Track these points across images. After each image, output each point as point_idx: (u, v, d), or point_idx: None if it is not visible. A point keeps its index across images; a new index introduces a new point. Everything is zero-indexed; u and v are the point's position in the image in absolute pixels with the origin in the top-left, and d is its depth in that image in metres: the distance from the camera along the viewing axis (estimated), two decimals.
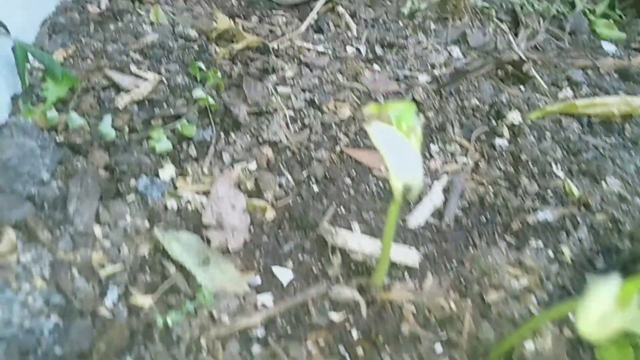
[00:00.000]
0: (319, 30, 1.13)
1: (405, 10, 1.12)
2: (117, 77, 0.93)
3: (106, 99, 0.90)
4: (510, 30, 1.16)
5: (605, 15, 1.26)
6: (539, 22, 1.18)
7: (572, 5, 1.28)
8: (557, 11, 1.23)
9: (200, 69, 0.92)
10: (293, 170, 0.84)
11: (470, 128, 0.92)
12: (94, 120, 0.84)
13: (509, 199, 0.81)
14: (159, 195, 0.77)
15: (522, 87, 1.01)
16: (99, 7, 1.09)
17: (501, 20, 1.18)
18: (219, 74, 0.92)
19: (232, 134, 0.87)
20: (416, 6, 1.12)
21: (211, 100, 0.87)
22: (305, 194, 0.82)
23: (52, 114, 0.82)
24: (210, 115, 0.88)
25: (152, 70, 0.96)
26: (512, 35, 1.14)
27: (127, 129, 0.85)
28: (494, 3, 1.22)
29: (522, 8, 1.20)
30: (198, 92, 0.86)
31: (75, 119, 0.81)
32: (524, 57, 1.02)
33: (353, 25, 1.13)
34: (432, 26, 1.12)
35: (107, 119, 0.82)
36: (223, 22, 1.05)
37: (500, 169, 0.86)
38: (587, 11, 1.26)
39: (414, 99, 0.95)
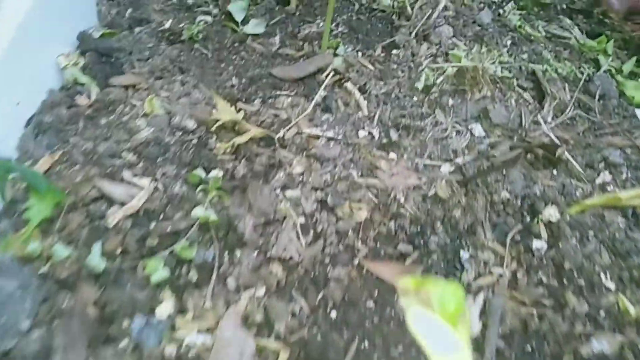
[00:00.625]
0: (327, 109, 1.03)
1: (420, 85, 1.02)
2: (108, 187, 0.83)
3: (96, 215, 0.80)
4: (534, 100, 1.06)
5: (633, 75, 1.15)
6: (564, 88, 1.08)
7: (596, 64, 1.19)
8: (582, 73, 1.13)
9: (201, 180, 0.82)
10: (307, 294, 0.74)
11: (504, 229, 0.81)
12: (82, 248, 0.74)
13: (556, 323, 0.70)
14: (155, 341, 0.67)
15: (554, 171, 0.91)
16: (89, 97, 1.00)
17: (523, 89, 1.08)
18: (220, 181, 0.82)
19: (237, 252, 0.77)
20: (431, 80, 1.02)
21: (213, 216, 0.77)
22: (322, 323, 0.71)
23: (34, 245, 0.72)
24: (212, 231, 0.78)
25: (147, 174, 0.86)
26: (537, 106, 1.04)
27: (119, 253, 0.76)
28: (512, 65, 1.13)
29: (544, 73, 1.10)
30: (198, 211, 0.76)
31: (61, 251, 0.71)
32: (556, 140, 0.92)
33: (363, 103, 1.03)
34: (450, 101, 1.02)
35: (97, 248, 0.73)
36: (223, 109, 0.96)
37: (542, 282, 0.75)
38: (614, 70, 1.16)
39: (437, 195, 0.85)
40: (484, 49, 1.08)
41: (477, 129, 0.98)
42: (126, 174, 0.85)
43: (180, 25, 1.23)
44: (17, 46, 0.94)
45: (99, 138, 0.92)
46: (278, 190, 0.85)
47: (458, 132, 0.97)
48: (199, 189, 0.82)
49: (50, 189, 0.80)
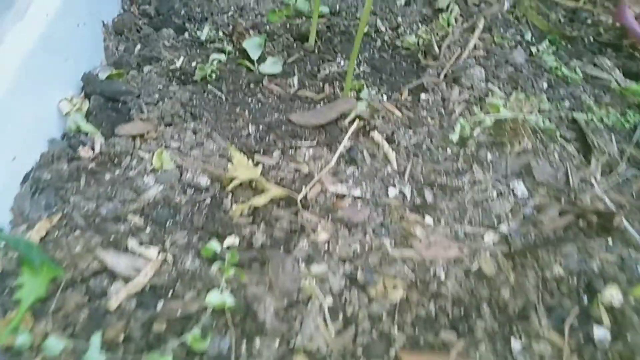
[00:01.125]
0: (352, 161, 0.94)
1: (454, 137, 0.92)
2: (111, 259, 0.73)
3: (97, 293, 0.70)
4: (579, 153, 0.96)
5: None
6: (612, 140, 0.98)
7: None
8: (628, 121, 1.03)
9: (215, 254, 0.72)
10: None
11: (560, 313, 0.71)
12: (79, 336, 0.64)
13: None
14: None
15: (609, 240, 0.81)
16: (92, 149, 0.90)
17: (567, 140, 0.98)
18: (237, 255, 0.72)
19: (257, 341, 0.67)
20: (467, 131, 0.92)
21: (229, 301, 0.67)
22: None
23: (24, 337, 0.62)
24: (227, 315, 0.68)
25: (155, 242, 0.76)
26: (583, 160, 0.94)
27: (121, 341, 0.66)
28: (553, 113, 1.03)
29: (587, 124, 1.00)
30: (213, 297, 0.66)
31: (54, 345, 0.61)
32: (611, 206, 0.82)
33: (392, 155, 0.93)
34: (488, 156, 0.92)
35: (96, 340, 0.62)
36: (240, 163, 0.86)
37: None
38: None
39: (481, 271, 0.75)
40: (521, 95, 0.99)
41: (520, 188, 0.88)
42: (131, 243, 0.76)
43: (193, 64, 1.14)
44: (17, 91, 0.85)
45: (102, 197, 0.82)
46: (302, 263, 0.75)
47: (499, 192, 0.87)
48: (213, 265, 0.72)
49: (46, 262, 0.70)
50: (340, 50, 1.22)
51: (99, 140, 0.91)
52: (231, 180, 0.84)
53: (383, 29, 1.28)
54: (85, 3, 1.12)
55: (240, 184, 0.85)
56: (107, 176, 0.86)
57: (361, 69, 1.18)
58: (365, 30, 1.29)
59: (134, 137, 0.93)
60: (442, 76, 1.12)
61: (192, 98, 1.05)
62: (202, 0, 1.37)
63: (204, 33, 1.21)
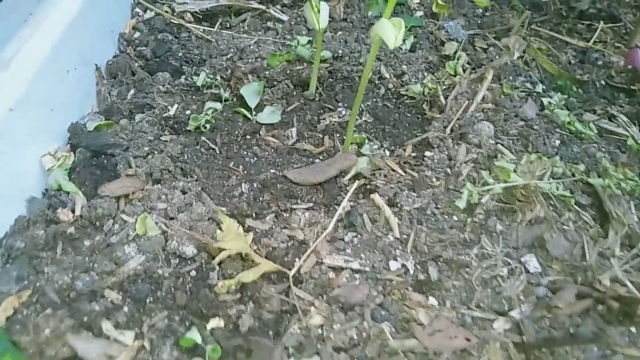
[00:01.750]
0: (350, 226, 0.87)
1: (461, 204, 0.85)
2: (82, 345, 0.66)
3: None
4: (595, 222, 0.88)
5: None
6: (631, 209, 0.90)
7: None
8: None
9: (196, 345, 0.65)
10: None
11: None
12: None
13: None
14: None
15: (632, 328, 0.73)
16: (72, 211, 0.84)
17: (581, 207, 0.91)
18: (219, 352, 0.65)
19: None
20: (474, 198, 0.85)
21: None
22: None
23: None
24: None
25: (132, 325, 0.69)
26: (600, 231, 0.87)
27: None
28: (566, 176, 0.96)
29: (604, 189, 0.92)
30: None
31: None
32: (634, 290, 0.74)
33: (394, 221, 0.86)
34: (498, 226, 0.85)
35: None
36: (229, 229, 0.79)
37: None
38: None
39: None
40: (533, 157, 0.92)
41: (532, 263, 0.80)
42: (106, 325, 0.68)
43: (187, 112, 1.08)
44: None
45: (79, 268, 0.75)
46: (291, 354, 0.67)
47: (510, 269, 0.79)
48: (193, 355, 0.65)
49: (8, 350, 0.63)
50: (341, 98, 1.16)
51: (80, 202, 0.85)
52: (219, 250, 0.77)
53: (387, 75, 1.22)
54: (79, 47, 1.07)
55: (230, 256, 0.78)
56: (87, 243, 0.79)
57: (363, 118, 1.12)
58: (367, 75, 1.23)
59: (117, 198, 0.86)
60: (448, 130, 1.05)
61: (184, 152, 0.99)
62: (201, 42, 1.32)
63: (201, 78, 1.15)
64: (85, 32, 1.11)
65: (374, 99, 1.17)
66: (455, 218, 0.87)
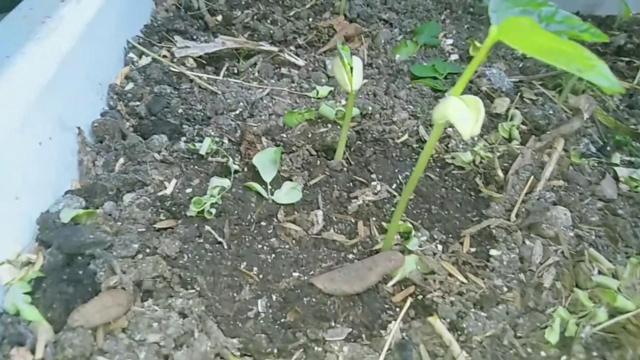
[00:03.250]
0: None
1: (553, 337, 0.63)
2: None
3: None
4: None
5: None
6: None
7: None
8: None
9: None
10: None
11: None
12: None
13: None
14: None
15: None
16: (32, 351, 0.61)
17: None
18: None
19: None
20: (570, 330, 0.63)
21: None
22: None
23: None
24: None
25: None
26: None
27: None
28: None
29: None
30: None
31: None
32: None
33: (459, 353, 0.64)
34: None
35: None
36: None
37: None
38: None
39: None
40: (633, 260, 0.70)
41: None
42: None
43: (188, 191, 0.86)
44: None
45: None
46: None
47: None
48: None
49: None
50: (375, 168, 0.94)
51: (44, 337, 0.62)
52: None
53: (428, 138, 1.01)
54: (57, 110, 0.86)
55: None
56: None
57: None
58: (404, 138, 1.01)
59: (95, 329, 0.64)
60: (513, 215, 0.83)
61: (183, 250, 0.76)
62: (205, 94, 1.11)
63: (205, 146, 0.93)
64: (67, 89, 0.89)
65: (413, 168, 0.95)
66: (543, 354, 0.64)
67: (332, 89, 1.14)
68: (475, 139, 0.97)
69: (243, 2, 1.47)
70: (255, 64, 1.26)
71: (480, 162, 0.93)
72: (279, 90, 1.14)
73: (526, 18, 0.49)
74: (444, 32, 1.37)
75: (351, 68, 0.82)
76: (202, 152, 0.93)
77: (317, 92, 1.13)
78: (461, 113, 0.57)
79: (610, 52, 1.74)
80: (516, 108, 1.08)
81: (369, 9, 1.41)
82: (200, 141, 0.96)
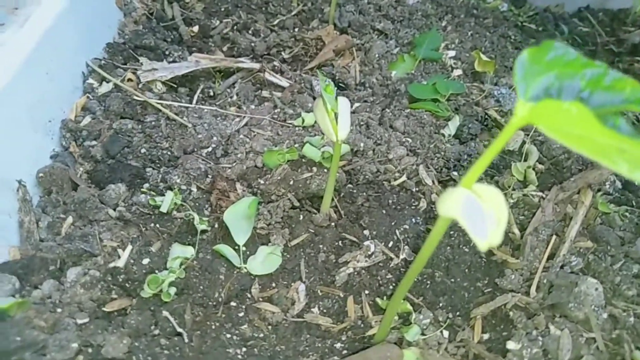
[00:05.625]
0: None
1: None
2: None
3: None
4: None
5: None
6: None
7: None
8: None
9: None
10: None
11: None
12: None
13: None
14: None
15: None
16: None
17: None
18: None
19: None
20: None
21: None
22: None
23: None
24: None
25: None
26: None
27: None
28: None
29: None
30: None
31: None
32: None
33: None
34: None
35: None
36: None
37: None
38: None
39: None
40: None
41: None
42: None
43: (144, 262, 0.70)
44: None
45: None
46: None
47: None
48: None
49: None
50: (368, 223, 0.77)
51: None
52: None
53: (429, 181, 0.84)
54: None
55: None
56: None
57: (400, 256, 0.74)
58: (401, 180, 0.84)
59: None
60: (533, 289, 0.67)
61: (133, 349, 0.60)
62: (173, 129, 0.93)
63: (167, 202, 0.76)
64: (4, 136, 0.73)
65: (413, 219, 0.79)
66: None
67: None
68: (483, 178, 0.80)
69: (222, 9, 1.28)
70: (234, 84, 1.09)
71: None
72: (259, 120, 0.97)
73: (574, 104, 0.32)
74: (445, 42, 1.19)
75: (336, 115, 0.65)
76: (164, 209, 0.76)
77: (303, 120, 0.96)
78: (475, 214, 0.40)
79: (625, 51, 1.55)
80: (525, 132, 0.90)
81: (362, 17, 1.22)
82: (164, 191, 0.79)
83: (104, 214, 0.77)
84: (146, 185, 0.83)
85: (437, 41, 1.14)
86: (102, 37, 1.10)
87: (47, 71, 0.87)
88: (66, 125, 0.90)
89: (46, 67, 0.87)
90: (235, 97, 1.05)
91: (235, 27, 1.22)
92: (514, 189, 0.79)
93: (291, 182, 0.81)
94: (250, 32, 1.22)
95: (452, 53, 1.16)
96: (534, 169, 0.81)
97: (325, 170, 0.82)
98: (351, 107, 1.01)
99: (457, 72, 1.11)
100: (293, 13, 1.27)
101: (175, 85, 1.05)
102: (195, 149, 0.90)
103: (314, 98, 1.03)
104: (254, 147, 0.89)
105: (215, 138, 0.92)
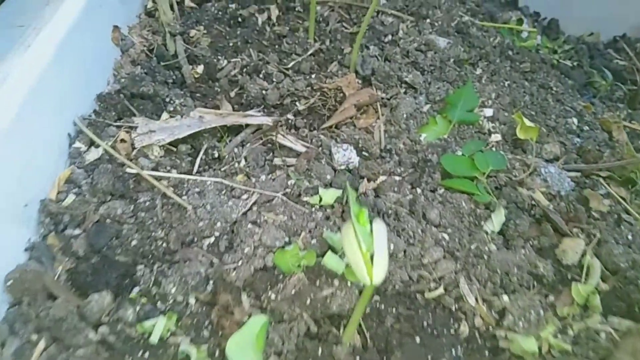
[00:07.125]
0: None
1: None
2: None
3: None
4: None
5: None
6: None
7: None
8: None
9: None
10: None
11: None
12: None
13: None
14: None
15: None
16: None
17: None
18: None
19: None
20: None
21: None
22: None
23: None
24: None
25: None
26: None
27: None
28: None
29: None
30: None
31: None
32: None
33: None
34: None
35: None
36: None
37: None
38: None
39: None
40: None
41: None
42: None
43: None
44: None
45: None
46: None
47: None
48: None
49: None
50: (400, 357, 0.63)
51: None
52: None
53: (471, 300, 0.68)
54: None
55: None
56: None
57: None
58: (438, 292, 0.69)
59: None
60: None
61: None
62: (170, 213, 0.77)
63: (158, 329, 0.61)
64: None
65: (452, 351, 0.64)
66: None
67: (339, 193, 0.81)
68: (541, 312, 0.65)
69: (231, 44, 1.11)
70: (242, 143, 0.93)
71: (549, 353, 0.62)
72: (270, 197, 0.81)
73: None
74: (481, 97, 1.02)
75: (371, 257, 0.50)
76: (155, 339, 0.61)
77: (320, 199, 0.80)
78: None
79: None
80: (580, 226, 0.75)
81: (387, 65, 1.05)
82: (156, 298, 0.64)
83: (83, 336, 0.62)
84: (136, 289, 0.68)
85: (474, 101, 0.97)
86: (95, 83, 0.94)
87: (27, 144, 0.71)
88: (45, 207, 0.74)
89: (26, 139, 0.71)
90: (243, 163, 0.89)
91: (244, 70, 1.05)
92: (575, 319, 0.64)
93: (308, 302, 0.65)
94: (261, 75, 1.05)
95: (489, 112, 0.99)
96: (598, 291, 0.65)
97: (349, 284, 0.67)
98: (375, 181, 0.86)
99: (496, 136, 0.95)
100: (309, 52, 1.10)
101: (174, 149, 0.89)
102: (196, 239, 0.75)
103: (333, 169, 0.87)
104: (264, 241, 0.74)
105: (219, 224, 0.76)
